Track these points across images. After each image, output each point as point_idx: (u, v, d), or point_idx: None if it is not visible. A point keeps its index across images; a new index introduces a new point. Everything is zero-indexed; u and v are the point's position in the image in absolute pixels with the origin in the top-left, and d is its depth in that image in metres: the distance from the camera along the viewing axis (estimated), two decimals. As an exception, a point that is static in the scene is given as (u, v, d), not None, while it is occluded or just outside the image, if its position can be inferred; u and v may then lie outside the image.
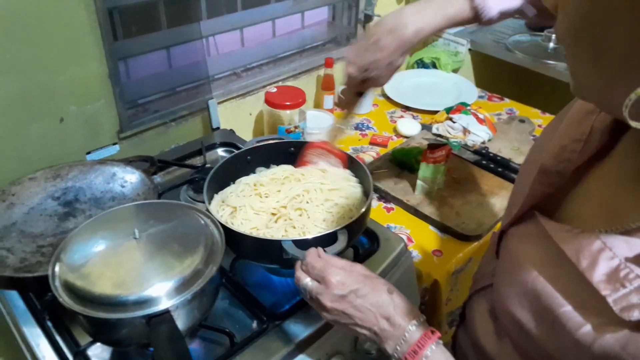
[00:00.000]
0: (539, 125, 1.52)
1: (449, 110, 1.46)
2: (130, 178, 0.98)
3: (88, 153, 1.06)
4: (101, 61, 1.04)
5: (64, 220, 0.91)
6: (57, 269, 0.68)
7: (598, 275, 0.40)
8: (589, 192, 0.48)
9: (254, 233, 0.79)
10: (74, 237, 0.72)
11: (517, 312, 0.49)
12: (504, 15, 0.77)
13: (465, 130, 1.40)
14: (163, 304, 0.62)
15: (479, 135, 1.39)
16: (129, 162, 1.01)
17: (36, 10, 0.92)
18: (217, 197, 0.87)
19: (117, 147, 1.11)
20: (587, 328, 0.41)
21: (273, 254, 0.74)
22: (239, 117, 1.41)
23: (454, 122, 1.42)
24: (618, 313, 0.38)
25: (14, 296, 0.83)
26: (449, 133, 1.42)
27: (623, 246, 0.40)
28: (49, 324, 0.78)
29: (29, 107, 0.98)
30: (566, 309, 0.43)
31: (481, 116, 1.43)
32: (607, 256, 0.40)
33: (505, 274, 0.53)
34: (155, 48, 1.24)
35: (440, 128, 1.44)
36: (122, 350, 0.76)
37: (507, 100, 1.68)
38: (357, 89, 0.83)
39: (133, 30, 1.17)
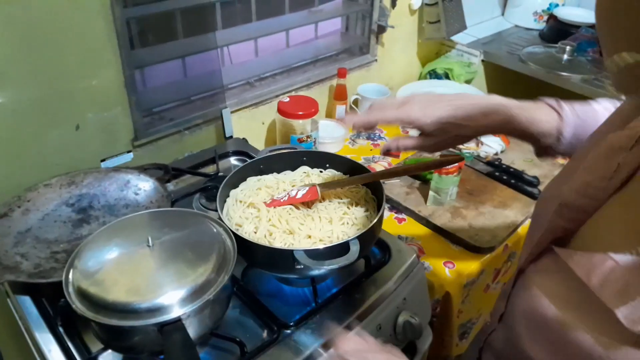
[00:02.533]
0: (553, 137, 1.51)
1: None
2: (144, 186, 0.99)
3: (103, 160, 1.07)
4: (118, 70, 1.06)
5: (78, 226, 0.92)
6: (71, 275, 0.68)
7: (608, 292, 0.40)
8: (608, 218, 0.46)
9: (265, 242, 0.79)
10: (88, 244, 0.72)
11: (528, 349, 0.48)
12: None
13: (478, 142, 1.39)
14: (175, 312, 0.63)
15: (492, 146, 1.39)
16: (143, 169, 1.02)
17: (55, 20, 0.93)
18: (229, 201, 0.88)
19: (131, 154, 1.11)
20: (599, 349, 0.40)
21: (285, 264, 0.74)
22: (252, 126, 1.41)
23: None
24: (628, 327, 0.38)
25: (27, 302, 0.83)
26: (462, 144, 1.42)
27: (637, 264, 0.39)
28: (61, 330, 0.78)
29: (46, 114, 1.00)
30: (578, 333, 0.42)
31: None
32: (619, 274, 0.40)
33: (519, 312, 0.52)
34: (171, 57, 1.25)
35: None
36: (134, 358, 0.76)
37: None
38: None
39: (149, 40, 1.19)
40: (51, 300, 0.82)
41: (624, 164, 0.45)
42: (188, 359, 0.58)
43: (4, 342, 1.06)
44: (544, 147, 0.70)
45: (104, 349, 0.73)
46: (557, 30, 1.90)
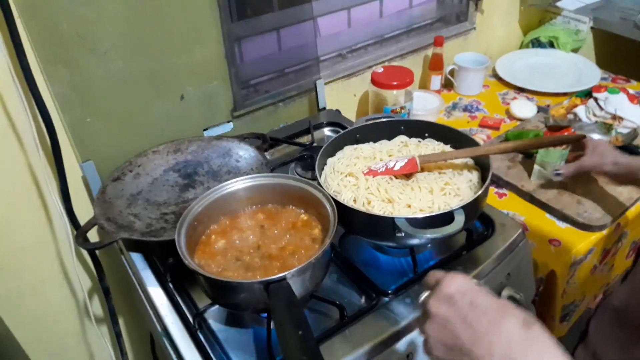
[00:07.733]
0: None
1: (583, 94, 1.24)
2: (244, 153, 1.01)
3: (205, 129, 1.12)
4: (219, 42, 1.09)
5: (184, 190, 0.96)
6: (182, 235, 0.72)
7: None
8: None
9: (365, 208, 0.78)
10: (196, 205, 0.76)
11: None
12: None
13: (616, 117, 1.16)
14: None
15: (634, 120, 1.14)
16: (242, 138, 1.05)
17: (164, -6, 0.97)
18: (327, 169, 0.88)
19: (231, 124, 1.15)
20: None
21: (385, 231, 0.73)
22: (343, 98, 1.40)
23: (599, 106, 1.17)
24: None
25: (139, 259, 0.89)
26: (595, 115, 1.19)
27: None
28: (171, 285, 0.83)
29: (155, 85, 1.05)
30: None
31: (633, 92, 1.16)
32: None
33: None
34: (267, 29, 1.26)
35: (580, 111, 1.21)
36: (237, 316, 0.79)
37: (633, 82, 1.52)
38: None
39: (247, 13, 1.20)
40: (161, 258, 0.87)
41: None
42: (294, 314, 0.59)
43: (115, 298, 1.15)
44: None
45: (211, 305, 0.76)
46: (681, -9, 1.69)
